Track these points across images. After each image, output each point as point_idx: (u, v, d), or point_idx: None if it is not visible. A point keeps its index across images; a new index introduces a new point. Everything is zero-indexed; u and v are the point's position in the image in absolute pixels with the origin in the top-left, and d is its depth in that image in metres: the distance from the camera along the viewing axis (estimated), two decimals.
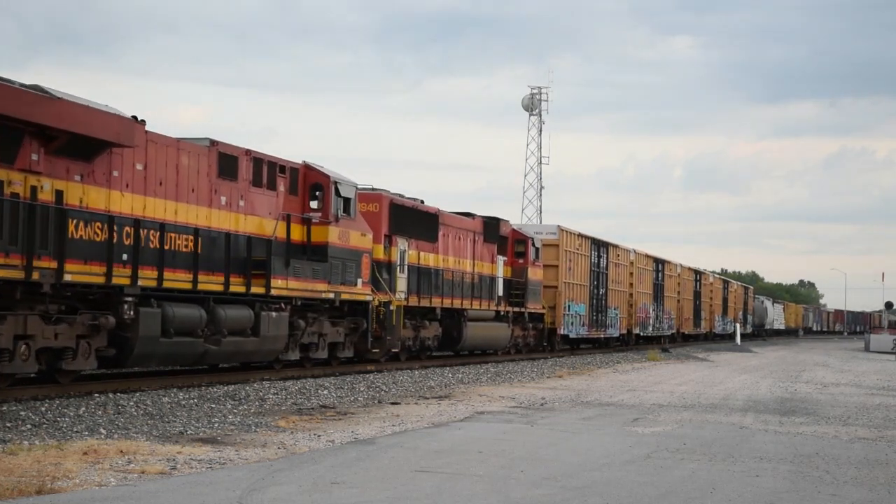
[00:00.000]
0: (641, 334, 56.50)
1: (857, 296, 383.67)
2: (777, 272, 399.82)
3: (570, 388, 24.37)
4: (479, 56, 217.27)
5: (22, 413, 14.88)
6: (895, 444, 15.48)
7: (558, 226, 43.36)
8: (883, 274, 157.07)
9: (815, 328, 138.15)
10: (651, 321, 58.30)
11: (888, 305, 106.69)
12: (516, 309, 38.11)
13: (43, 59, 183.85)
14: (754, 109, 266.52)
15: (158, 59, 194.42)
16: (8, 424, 13.88)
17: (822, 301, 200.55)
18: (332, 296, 24.87)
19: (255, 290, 21.87)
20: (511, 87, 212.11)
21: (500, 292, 36.79)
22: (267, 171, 22.71)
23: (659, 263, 60.66)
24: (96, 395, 17.59)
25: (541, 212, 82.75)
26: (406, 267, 29.69)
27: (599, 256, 48.06)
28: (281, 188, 23.25)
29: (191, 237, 20.14)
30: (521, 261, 38.85)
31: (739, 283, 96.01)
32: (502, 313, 36.90)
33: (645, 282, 56.90)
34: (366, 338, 26.59)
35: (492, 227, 36.51)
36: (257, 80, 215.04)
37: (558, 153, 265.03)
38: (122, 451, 11.87)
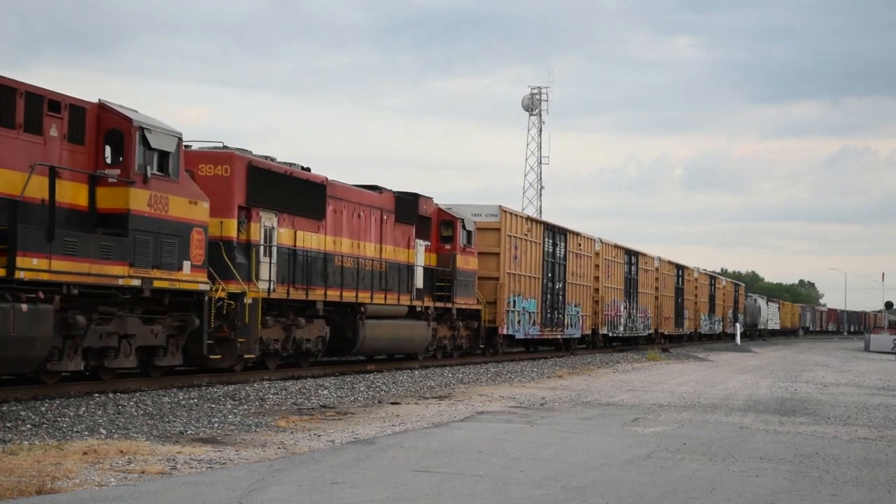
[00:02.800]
0: (611, 335, 50.59)
1: (857, 296, 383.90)
2: (777, 272, 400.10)
3: (570, 388, 24.37)
4: (480, 56, 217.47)
5: (22, 413, 14.88)
6: (895, 444, 15.48)
7: (500, 206, 36.75)
8: (883, 274, 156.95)
9: (811, 328, 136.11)
10: (622, 320, 52.10)
11: (888, 305, 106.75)
12: (441, 304, 31.90)
13: (43, 57, 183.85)
14: (756, 109, 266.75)
15: (159, 59, 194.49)
16: (8, 424, 13.88)
17: (822, 301, 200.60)
18: (136, 283, 18.29)
19: None
20: (511, 86, 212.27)
21: (420, 284, 30.64)
22: (25, 106, 16.41)
23: (632, 255, 54.35)
24: (96, 395, 17.59)
25: (541, 212, 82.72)
26: (274, 249, 23.22)
27: (555, 245, 41.85)
28: (52, 132, 17.01)
29: None
30: (447, 246, 32.61)
31: (729, 280, 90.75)
32: (419, 309, 30.49)
33: (614, 276, 50.81)
34: (199, 340, 20.17)
35: (407, 205, 30.13)
36: (257, 80, 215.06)
37: (559, 153, 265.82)
38: (122, 451, 11.87)
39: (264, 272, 22.83)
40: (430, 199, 32.31)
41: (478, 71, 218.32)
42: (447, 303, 32.28)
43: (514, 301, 37.09)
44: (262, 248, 22.83)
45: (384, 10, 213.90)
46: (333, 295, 25.70)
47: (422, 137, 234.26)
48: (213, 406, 17.18)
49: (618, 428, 16.22)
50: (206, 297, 20.21)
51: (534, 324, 39.33)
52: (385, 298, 28.29)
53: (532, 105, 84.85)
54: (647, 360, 40.38)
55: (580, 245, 45.40)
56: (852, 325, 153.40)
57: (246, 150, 23.01)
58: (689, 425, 17.00)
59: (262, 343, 22.68)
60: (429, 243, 31.69)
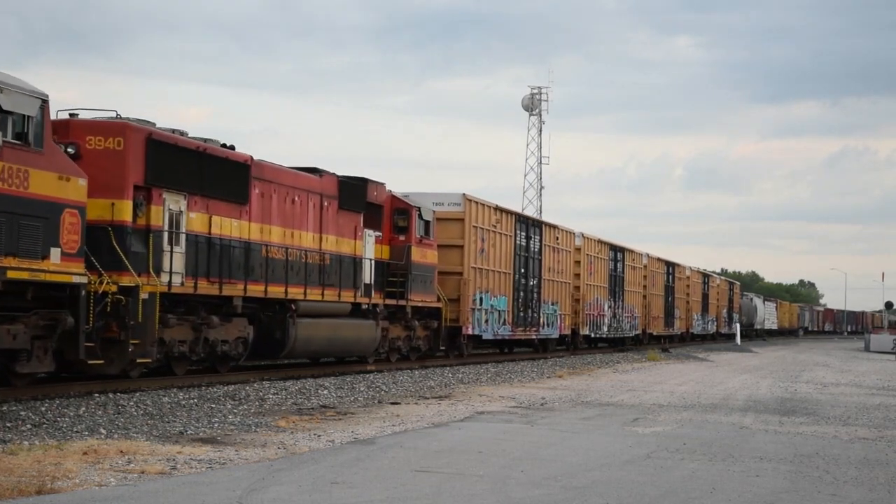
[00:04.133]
0: (593, 335, 47.30)
1: (857, 296, 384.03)
2: (777, 272, 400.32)
3: (569, 388, 24.37)
4: (480, 56, 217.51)
5: (22, 413, 14.88)
6: (895, 444, 15.48)
7: (463, 194, 33.27)
8: (883, 274, 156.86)
9: (809, 328, 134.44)
10: (606, 320, 48.93)
11: (888, 305, 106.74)
12: (392, 302, 28.65)
13: (43, 57, 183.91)
14: (756, 109, 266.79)
15: (159, 59, 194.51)
16: (8, 424, 13.88)
17: (822, 301, 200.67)
18: None
19: None
20: (512, 86, 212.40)
21: (369, 279, 27.33)
22: None
23: (617, 252, 51.20)
24: (96, 395, 17.60)
25: (541, 212, 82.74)
26: (183, 237, 20.21)
27: (529, 238, 38.44)
28: None
29: None
30: (402, 238, 29.26)
31: (724, 278, 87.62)
32: (366, 307, 27.21)
33: (598, 272, 47.69)
34: (75, 341, 16.86)
35: (353, 191, 26.75)
36: (257, 80, 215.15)
37: (559, 153, 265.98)
38: (122, 451, 11.87)
39: (169, 263, 19.68)
40: (382, 184, 28.72)
41: (478, 71, 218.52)
42: (400, 300, 28.92)
43: (481, 298, 33.96)
44: (165, 235, 19.64)
45: (384, 10, 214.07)
46: (256, 290, 22.41)
47: (422, 137, 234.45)
48: (213, 406, 17.18)
49: (618, 428, 16.22)
50: (83, 292, 16.94)
51: (504, 323, 36.16)
52: (323, 294, 24.95)
53: (532, 105, 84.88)
54: (647, 360, 40.39)
55: (558, 239, 42.08)
56: (849, 326, 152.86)
57: (147, 122, 19.88)
58: (689, 425, 17.00)
59: (164, 345, 19.77)
60: (380, 234, 28.42)
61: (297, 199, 24.20)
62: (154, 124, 20.10)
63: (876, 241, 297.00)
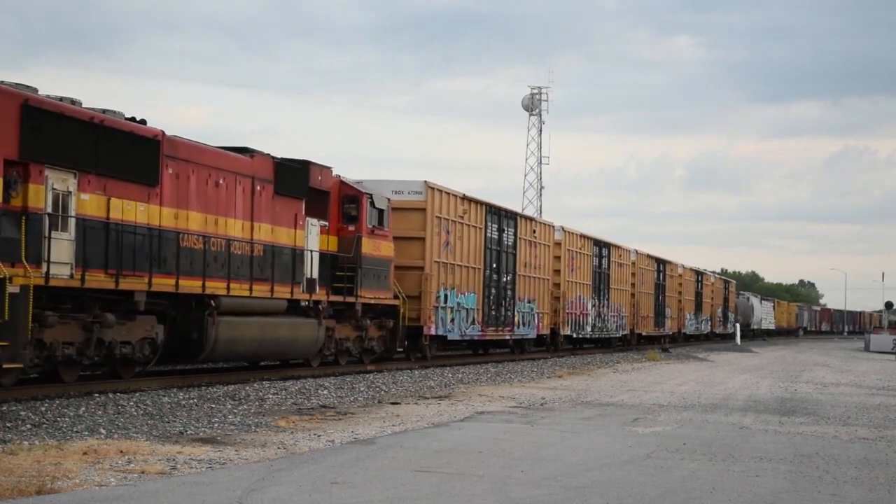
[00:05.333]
0: (575, 335, 44.67)
1: (857, 296, 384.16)
2: (777, 272, 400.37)
3: (569, 388, 24.37)
4: (480, 56, 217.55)
5: (22, 413, 14.88)
6: (895, 444, 15.48)
7: (425, 182, 30.46)
8: (883, 274, 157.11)
9: (808, 328, 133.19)
10: (590, 319, 46.29)
11: (888, 305, 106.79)
12: (339, 298, 25.73)
13: (43, 57, 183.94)
14: (756, 109, 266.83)
15: (159, 59, 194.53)
16: (8, 424, 13.89)
17: (822, 301, 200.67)
18: None
19: None
20: (512, 86, 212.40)
21: (312, 273, 24.73)
22: None
23: (602, 247, 48.45)
24: (96, 395, 17.60)
25: (541, 212, 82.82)
26: (72, 221, 17.65)
27: (502, 230, 35.77)
28: None
29: None
30: (351, 227, 26.38)
31: (718, 276, 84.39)
32: (306, 304, 24.45)
33: (581, 269, 45.00)
34: None
35: (293, 175, 24.03)
36: (257, 80, 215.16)
37: (560, 153, 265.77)
38: (122, 451, 11.87)
39: (57, 251, 17.19)
40: (328, 168, 25.76)
41: (478, 71, 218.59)
42: (348, 296, 26.01)
43: (446, 295, 31.21)
44: (47, 219, 17.02)
45: (384, 10, 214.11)
46: (164, 284, 19.61)
47: (422, 137, 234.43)
48: (213, 406, 17.18)
49: (618, 428, 16.22)
50: None
51: (473, 323, 33.43)
52: (251, 290, 22.18)
53: (532, 105, 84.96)
54: (647, 360, 40.40)
55: (535, 232, 39.24)
56: (846, 325, 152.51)
57: (27, 87, 17.30)
58: (689, 425, 17.00)
59: (45, 348, 17.24)
60: (326, 223, 25.58)
61: (221, 181, 21.46)
62: (36, 90, 17.43)
63: (876, 241, 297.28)
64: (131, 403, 16.69)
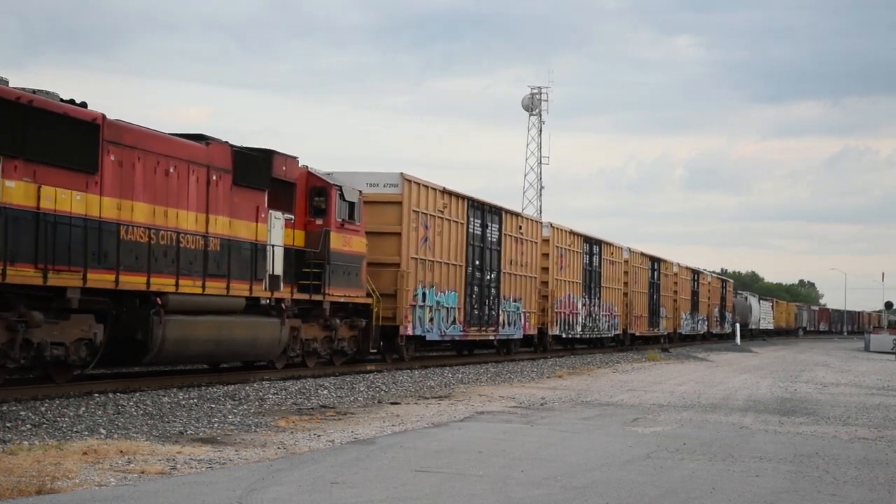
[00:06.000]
0: (565, 335, 43.32)
1: (857, 296, 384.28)
2: (777, 272, 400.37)
3: (569, 388, 24.37)
4: (481, 55, 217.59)
5: (22, 413, 14.88)
6: (895, 444, 15.49)
7: (401, 174, 28.93)
8: (883, 274, 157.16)
9: (807, 328, 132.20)
10: (580, 319, 44.86)
11: (888, 305, 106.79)
12: (305, 296, 24.11)
13: (43, 57, 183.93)
14: (756, 109, 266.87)
15: (159, 59, 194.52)
16: (8, 424, 13.89)
17: (822, 301, 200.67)
18: None
19: None
20: (512, 86, 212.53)
21: (276, 269, 23.05)
22: None
23: (593, 244, 46.93)
24: (96, 395, 17.60)
25: (541, 212, 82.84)
26: None
27: (485, 226, 34.19)
28: None
29: None
30: (319, 221, 24.67)
31: (715, 275, 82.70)
32: (268, 302, 22.91)
33: (570, 267, 43.54)
34: None
35: (254, 165, 22.38)
36: (258, 80, 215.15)
37: (560, 153, 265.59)
38: (122, 451, 11.87)
39: None
40: (294, 158, 24.00)
41: (478, 71, 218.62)
42: (315, 294, 24.36)
43: (424, 294, 29.74)
44: None
45: (384, 10, 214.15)
46: (102, 280, 17.91)
47: (422, 137, 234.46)
48: (213, 406, 17.18)
49: (618, 428, 16.23)
50: None
51: (454, 322, 31.90)
52: (204, 287, 20.50)
53: (532, 105, 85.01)
54: (647, 360, 40.41)
55: (521, 228, 37.67)
56: (843, 325, 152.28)
57: None
58: (689, 425, 17.00)
59: None
60: (292, 217, 23.84)
61: (172, 170, 19.88)
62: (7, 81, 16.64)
63: (876, 241, 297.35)
64: (131, 403, 16.70)
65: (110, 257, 18.14)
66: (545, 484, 10.83)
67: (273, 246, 22.95)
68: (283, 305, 23.15)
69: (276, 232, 23.19)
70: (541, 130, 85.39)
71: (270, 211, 22.94)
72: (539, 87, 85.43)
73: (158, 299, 19.36)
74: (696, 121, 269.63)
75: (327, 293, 24.77)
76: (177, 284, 19.83)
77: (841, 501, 10.59)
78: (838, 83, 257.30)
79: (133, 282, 18.76)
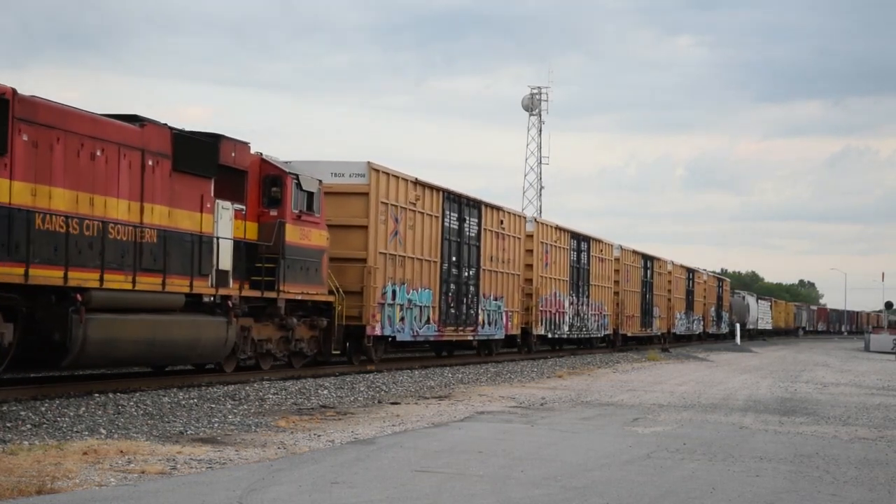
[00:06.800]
0: (551, 336, 41.46)
1: (857, 296, 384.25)
2: (777, 272, 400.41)
3: (569, 388, 24.37)
4: (482, 55, 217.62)
5: (22, 413, 14.89)
6: (895, 444, 15.49)
7: (368, 163, 27.08)
8: (883, 274, 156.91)
9: (807, 328, 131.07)
10: (567, 318, 43.09)
11: (888, 305, 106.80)
12: (256, 293, 22.23)
13: (44, 57, 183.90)
14: (758, 109, 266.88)
15: (159, 58, 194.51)
16: (8, 424, 13.89)
17: (822, 301, 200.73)
18: None
19: None
20: (513, 86, 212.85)
21: (225, 264, 21.14)
22: None
23: (581, 241, 45.15)
24: (96, 395, 17.61)
25: (541, 211, 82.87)
26: None
27: (463, 220, 32.26)
28: None
29: None
30: (273, 212, 22.79)
31: (711, 274, 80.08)
32: (211, 299, 20.79)
33: (557, 264, 41.70)
34: None
35: (199, 150, 20.41)
36: (258, 79, 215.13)
37: (561, 152, 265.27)
38: (122, 451, 11.87)
39: None
40: (246, 144, 21.98)
41: (478, 70, 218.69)
42: (268, 291, 22.57)
43: (394, 291, 27.98)
44: None
45: (385, 10, 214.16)
46: (9, 273, 16.01)
47: (422, 137, 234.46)
48: (213, 406, 17.18)
49: (618, 428, 16.23)
50: None
51: (428, 322, 30.14)
52: (134, 282, 18.40)
53: (532, 105, 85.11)
54: (647, 360, 40.43)
55: (503, 223, 35.75)
56: (841, 325, 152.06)
57: None
58: (689, 425, 17.00)
59: None
60: (243, 207, 21.96)
61: (101, 153, 17.96)
62: None
63: (876, 241, 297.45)
64: (131, 403, 16.70)
65: (21, 249, 16.18)
66: (545, 484, 10.83)
67: (220, 238, 21.03)
68: (229, 303, 21.22)
69: (225, 223, 21.31)
70: (541, 130, 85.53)
71: (218, 201, 21.03)
72: (539, 87, 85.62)
73: (79, 296, 17.24)
74: (697, 120, 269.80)
75: (282, 290, 22.94)
76: (101, 279, 17.75)
77: (841, 501, 10.59)
78: (840, 83, 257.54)
79: (47, 276, 16.70)
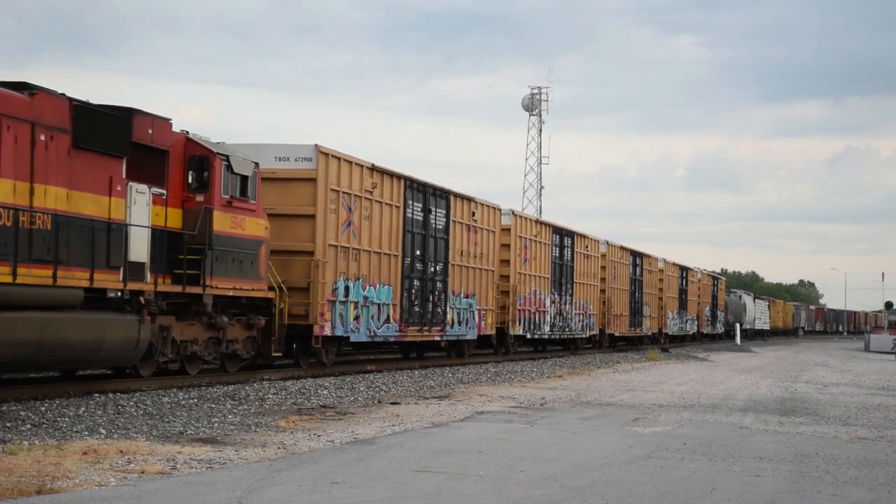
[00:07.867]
0: (530, 336, 39.01)
1: (857, 296, 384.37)
2: (777, 272, 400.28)
3: (569, 388, 24.37)
4: (482, 55, 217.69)
5: (22, 413, 14.88)
6: (895, 444, 15.49)
7: (315, 146, 24.37)
8: (883, 274, 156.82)
9: (806, 328, 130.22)
10: (549, 317, 40.56)
11: (888, 305, 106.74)
12: (177, 288, 19.56)
13: (44, 57, 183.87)
14: (758, 108, 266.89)
15: (160, 58, 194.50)
16: (8, 424, 13.89)
17: (822, 301, 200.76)
18: None
19: None
20: (513, 86, 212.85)
21: (138, 254, 18.45)
22: None
23: (564, 236, 42.47)
24: (96, 395, 17.61)
25: (541, 212, 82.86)
26: None
27: (428, 211, 29.76)
28: None
29: None
30: (199, 198, 20.16)
31: (706, 272, 76.27)
32: (119, 294, 17.97)
33: (537, 260, 39.24)
34: None
35: (105, 125, 17.67)
36: (259, 79, 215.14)
37: (561, 152, 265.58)
38: (122, 451, 11.87)
39: None
40: (167, 121, 19.56)
41: (479, 70, 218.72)
42: (192, 286, 19.85)
43: (347, 288, 25.39)
44: None
45: (386, 10, 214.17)
46: None
47: (422, 137, 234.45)
48: (213, 406, 17.18)
49: (618, 428, 16.22)
50: None
51: (388, 321, 27.65)
52: (14, 274, 15.48)
53: (532, 105, 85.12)
54: (647, 360, 40.45)
55: (475, 215, 33.15)
56: (840, 325, 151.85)
57: None
58: (689, 425, 17.00)
59: None
60: (163, 192, 19.48)
61: None
62: None
63: (876, 241, 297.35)
64: (131, 403, 16.69)
65: None
66: (545, 484, 10.83)
67: (133, 226, 18.35)
68: (141, 299, 18.39)
69: (140, 209, 18.66)
70: (541, 130, 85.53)
71: (131, 183, 18.33)
72: (539, 87, 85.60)
73: None
74: (698, 120, 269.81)
75: (209, 284, 20.19)
76: None
77: (841, 501, 10.59)
78: (840, 83, 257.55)
79: None
